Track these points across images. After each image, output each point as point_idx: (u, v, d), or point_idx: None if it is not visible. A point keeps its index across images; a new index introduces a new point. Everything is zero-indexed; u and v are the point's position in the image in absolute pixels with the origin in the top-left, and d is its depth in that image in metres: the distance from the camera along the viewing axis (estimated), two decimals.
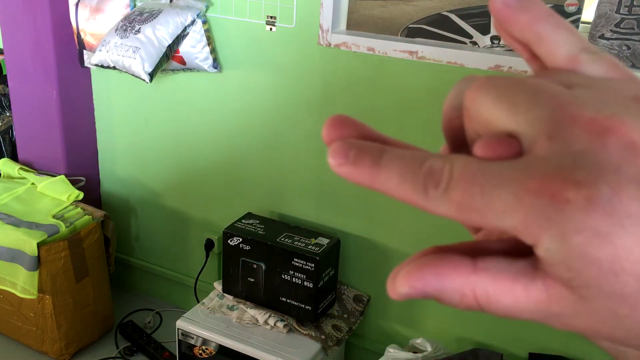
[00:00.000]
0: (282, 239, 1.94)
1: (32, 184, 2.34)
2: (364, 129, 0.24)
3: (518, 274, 0.21)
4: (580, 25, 1.59)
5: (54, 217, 2.17)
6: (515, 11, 0.24)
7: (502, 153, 0.22)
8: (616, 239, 0.19)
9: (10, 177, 2.41)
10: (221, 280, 2.09)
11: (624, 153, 0.20)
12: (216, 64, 2.05)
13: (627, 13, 1.51)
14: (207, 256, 2.33)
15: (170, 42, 1.96)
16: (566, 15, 1.59)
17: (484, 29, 1.69)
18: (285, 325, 1.95)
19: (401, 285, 0.22)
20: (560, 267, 0.20)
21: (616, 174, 0.19)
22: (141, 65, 1.95)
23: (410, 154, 0.22)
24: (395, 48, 1.77)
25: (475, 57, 1.68)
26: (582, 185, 0.19)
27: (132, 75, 2.00)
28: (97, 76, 2.38)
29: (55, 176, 2.34)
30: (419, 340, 1.87)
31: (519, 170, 0.20)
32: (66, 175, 2.35)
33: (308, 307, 1.94)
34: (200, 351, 1.99)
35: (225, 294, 2.09)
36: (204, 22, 2.01)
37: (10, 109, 2.49)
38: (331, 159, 0.23)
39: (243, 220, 2.05)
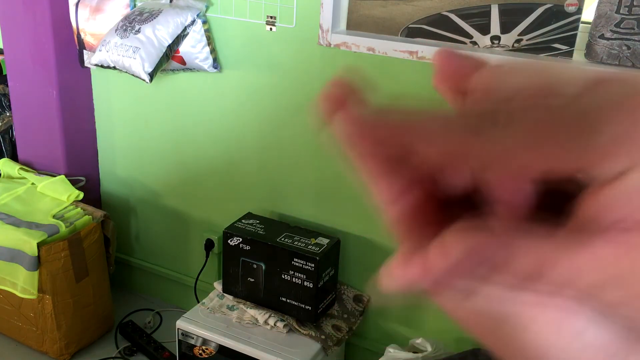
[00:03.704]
0: (282, 239, 1.94)
1: (32, 184, 2.34)
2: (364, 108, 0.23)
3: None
4: (580, 25, 1.59)
5: (54, 217, 2.17)
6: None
7: None
8: None
9: (10, 177, 2.41)
10: (221, 280, 2.09)
11: None
12: (216, 64, 2.05)
13: (627, 13, 1.51)
14: (207, 256, 2.33)
15: (170, 42, 1.96)
16: (566, 15, 1.59)
17: (484, 29, 1.69)
18: (285, 325, 1.95)
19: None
20: None
21: None
22: (141, 65, 1.95)
23: None
24: (395, 48, 1.77)
25: None
26: None
27: (132, 75, 2.00)
28: (97, 76, 2.38)
29: (55, 176, 2.34)
30: (419, 340, 1.87)
31: None
32: (66, 175, 2.35)
33: (308, 307, 1.94)
34: (200, 351, 1.99)
35: (225, 294, 2.09)
36: (204, 22, 2.01)
37: (10, 109, 2.49)
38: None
39: (243, 220, 2.05)
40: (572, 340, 0.21)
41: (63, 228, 2.12)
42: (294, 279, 1.92)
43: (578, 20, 1.58)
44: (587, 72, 0.20)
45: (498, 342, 0.23)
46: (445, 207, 0.23)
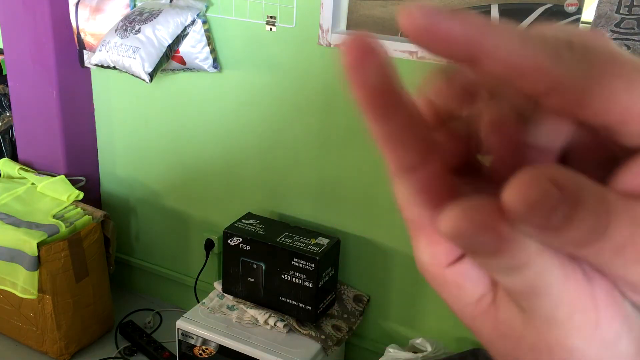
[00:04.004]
0: (282, 239, 1.94)
1: (32, 184, 2.34)
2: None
3: None
4: (580, 25, 1.59)
5: (54, 217, 2.17)
6: None
7: None
8: None
9: (10, 177, 2.41)
10: (221, 280, 2.09)
11: None
12: (216, 64, 2.05)
13: (627, 13, 1.51)
14: (207, 256, 2.33)
15: (170, 42, 1.96)
16: (566, 15, 1.59)
17: None
18: (285, 325, 1.95)
19: None
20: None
21: None
22: (141, 65, 1.95)
23: None
24: (395, 48, 1.77)
25: None
26: None
27: (132, 75, 2.00)
28: (97, 76, 2.38)
29: (55, 176, 2.34)
30: (419, 340, 1.87)
31: None
32: (66, 175, 2.35)
33: (308, 307, 1.94)
34: (200, 351, 1.99)
35: (225, 294, 2.09)
36: (204, 22, 2.01)
37: (10, 109, 2.49)
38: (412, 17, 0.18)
39: (243, 220, 2.05)
40: (602, 348, 0.20)
41: (63, 228, 2.12)
42: (294, 279, 1.92)
43: (578, 20, 1.58)
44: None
45: (521, 342, 0.21)
46: (453, 181, 0.22)
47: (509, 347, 0.22)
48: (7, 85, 2.42)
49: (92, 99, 2.43)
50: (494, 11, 1.66)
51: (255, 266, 1.98)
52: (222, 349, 1.94)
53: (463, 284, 0.23)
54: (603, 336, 0.20)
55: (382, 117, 0.20)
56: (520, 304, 0.21)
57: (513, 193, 0.17)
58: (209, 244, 2.33)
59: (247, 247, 1.97)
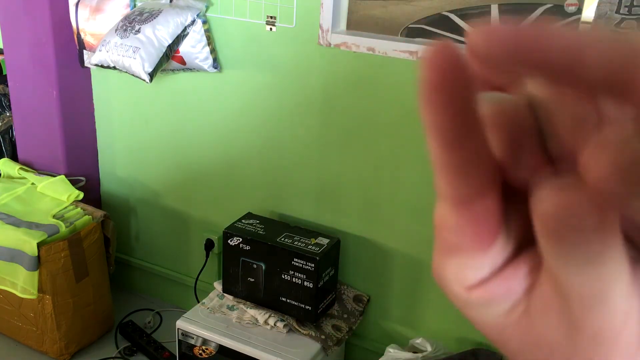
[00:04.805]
0: (282, 239, 1.94)
1: (32, 184, 2.34)
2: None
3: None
4: (580, 25, 1.59)
5: (54, 217, 2.17)
6: None
7: None
8: None
9: (10, 177, 2.41)
10: (221, 280, 2.09)
11: None
12: (216, 64, 2.05)
13: (627, 13, 1.51)
14: (207, 256, 2.33)
15: (170, 42, 1.96)
16: (566, 15, 1.59)
17: None
18: (285, 325, 1.95)
19: None
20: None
21: None
22: (141, 65, 1.95)
23: None
24: (395, 48, 1.77)
25: None
26: None
27: (132, 75, 2.00)
28: (97, 76, 2.38)
29: (55, 176, 2.34)
30: (419, 340, 1.87)
31: None
32: (66, 175, 2.35)
33: (308, 307, 1.94)
34: (200, 351, 2.00)
35: (225, 294, 2.09)
36: (204, 22, 2.01)
37: (10, 109, 2.49)
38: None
39: (243, 220, 2.05)
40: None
41: (63, 228, 2.12)
42: (294, 279, 1.92)
43: (578, 20, 1.58)
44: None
45: (555, 353, 0.21)
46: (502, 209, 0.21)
47: (541, 358, 0.21)
48: (7, 85, 2.42)
49: (92, 99, 2.43)
50: (494, 11, 1.66)
51: (255, 266, 1.98)
52: (222, 349, 1.95)
53: (492, 298, 0.22)
54: None
55: (454, 144, 0.19)
56: (574, 312, 0.19)
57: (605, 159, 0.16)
58: (209, 244, 2.33)
59: (247, 247, 1.97)
